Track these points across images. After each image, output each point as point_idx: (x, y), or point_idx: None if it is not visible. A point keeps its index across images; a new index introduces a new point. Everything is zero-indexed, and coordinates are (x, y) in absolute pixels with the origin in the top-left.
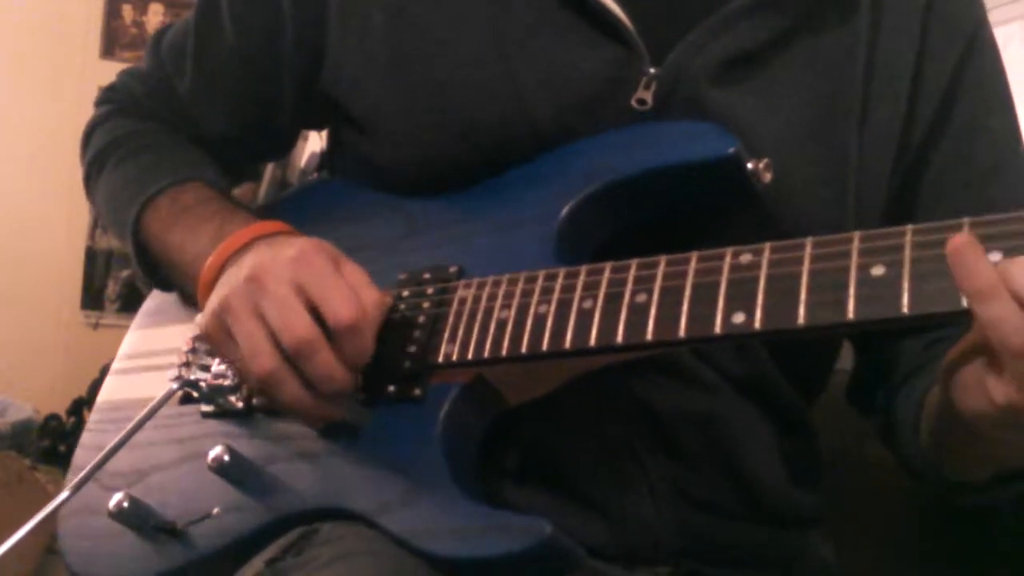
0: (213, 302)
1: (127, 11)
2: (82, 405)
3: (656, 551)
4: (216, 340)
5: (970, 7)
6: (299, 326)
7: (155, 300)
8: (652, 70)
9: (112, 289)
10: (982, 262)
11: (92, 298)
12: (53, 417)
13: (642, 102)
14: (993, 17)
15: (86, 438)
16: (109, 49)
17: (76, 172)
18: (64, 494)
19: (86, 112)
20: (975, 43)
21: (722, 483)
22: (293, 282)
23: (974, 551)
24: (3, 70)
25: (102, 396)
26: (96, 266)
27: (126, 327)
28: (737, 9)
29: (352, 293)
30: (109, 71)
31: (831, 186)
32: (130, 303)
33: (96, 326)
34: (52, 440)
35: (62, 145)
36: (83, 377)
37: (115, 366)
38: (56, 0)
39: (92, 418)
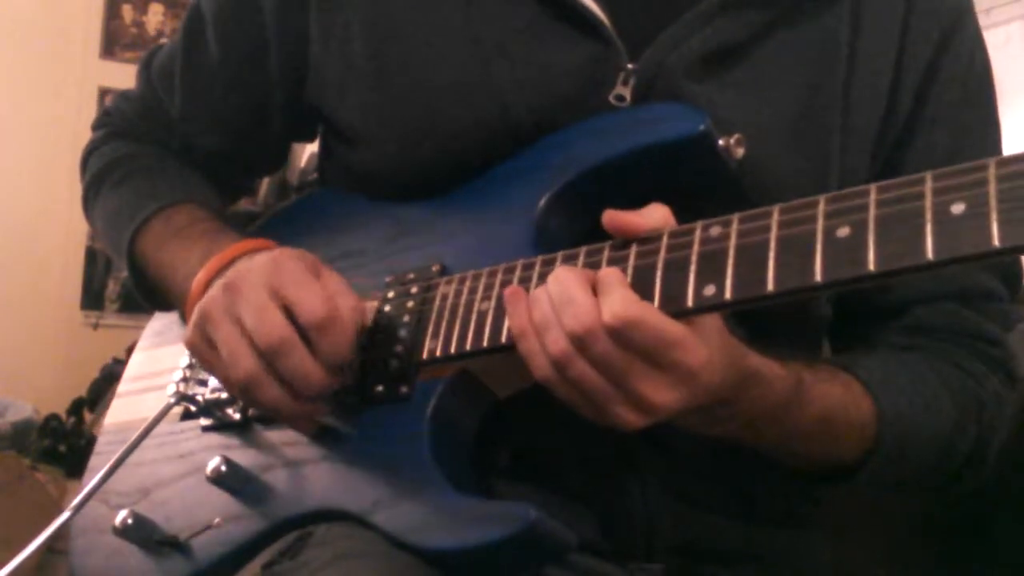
0: (195, 315)
1: (127, 11)
2: (82, 405)
3: (649, 548)
4: (199, 351)
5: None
6: (273, 326)
7: (160, 321)
8: (630, 65)
9: (112, 289)
10: (522, 304)
11: (92, 298)
12: (53, 417)
13: (620, 98)
14: (993, 17)
15: (95, 461)
16: (109, 49)
17: (76, 172)
18: (65, 514)
19: (86, 112)
20: (952, 37)
21: (716, 479)
22: (267, 286)
23: (973, 551)
24: (3, 70)
25: (109, 418)
26: (96, 266)
27: (126, 327)
28: (715, 5)
29: (325, 293)
30: (109, 71)
31: (812, 179)
32: (130, 303)
33: (96, 326)
34: (52, 440)
35: (62, 145)
36: (83, 377)
37: (121, 388)
38: (56, 0)
39: (100, 440)
